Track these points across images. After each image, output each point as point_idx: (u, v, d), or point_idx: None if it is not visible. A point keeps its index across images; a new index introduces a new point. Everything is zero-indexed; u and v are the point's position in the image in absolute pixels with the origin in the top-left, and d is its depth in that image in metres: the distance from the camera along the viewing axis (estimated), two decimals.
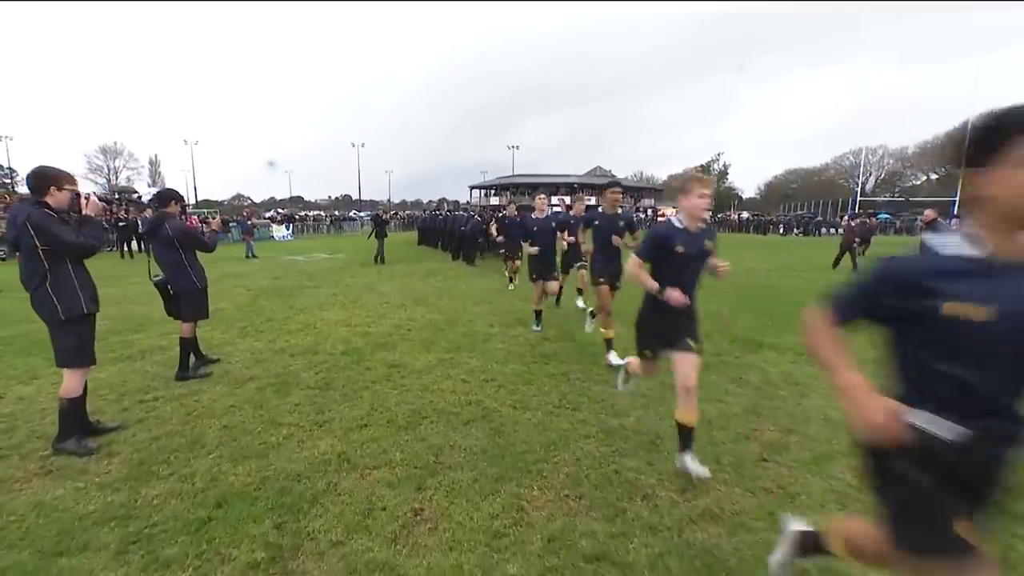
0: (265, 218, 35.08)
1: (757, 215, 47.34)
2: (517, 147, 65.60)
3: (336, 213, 44.87)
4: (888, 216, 39.87)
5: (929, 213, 9.70)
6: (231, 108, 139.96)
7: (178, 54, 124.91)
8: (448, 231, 15.92)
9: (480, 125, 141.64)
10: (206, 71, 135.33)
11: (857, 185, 68.49)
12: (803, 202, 61.94)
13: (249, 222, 17.32)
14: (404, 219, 41.29)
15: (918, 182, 62.37)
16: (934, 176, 61.68)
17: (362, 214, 47.52)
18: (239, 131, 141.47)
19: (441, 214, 17.93)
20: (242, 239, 17.09)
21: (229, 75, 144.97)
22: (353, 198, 68.79)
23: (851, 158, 71.24)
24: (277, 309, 7.29)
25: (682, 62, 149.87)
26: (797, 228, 40.07)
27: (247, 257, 16.10)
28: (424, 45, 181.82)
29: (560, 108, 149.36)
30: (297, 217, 37.67)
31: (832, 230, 40.12)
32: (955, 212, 28.45)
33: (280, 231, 30.88)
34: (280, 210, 43.97)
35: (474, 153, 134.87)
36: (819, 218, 43.07)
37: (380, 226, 14.25)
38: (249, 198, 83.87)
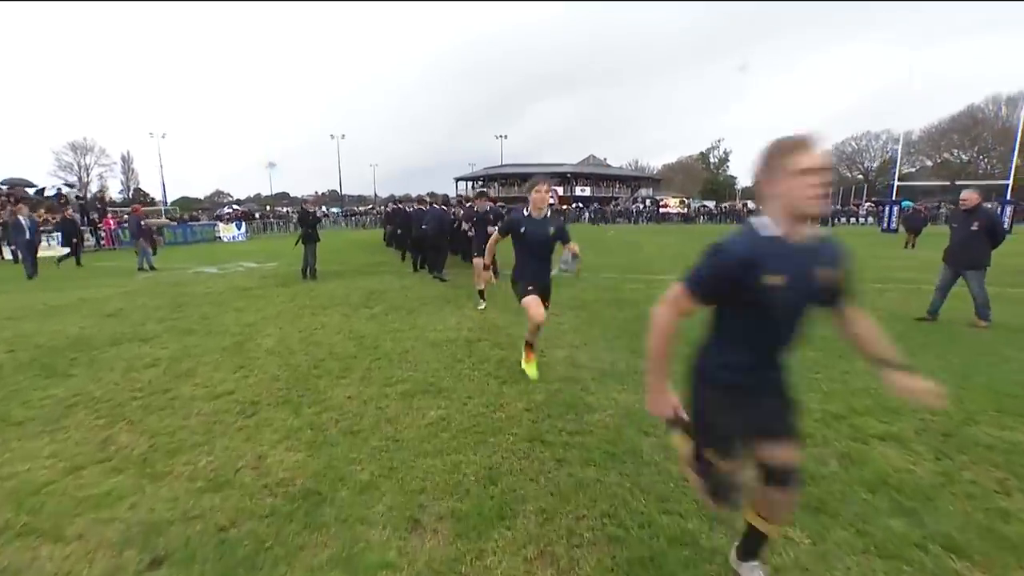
0: (216, 217, 30.57)
1: None
2: (505, 136, 61.33)
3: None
4: (910, 203, 36.38)
5: (973, 196, 5.81)
6: (213, 103, 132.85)
7: (154, 45, 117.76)
8: (409, 230, 11.79)
9: (472, 118, 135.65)
10: (186, 63, 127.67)
11: (862, 172, 65.79)
12: None
13: (142, 223, 12.80)
14: (379, 214, 36.96)
15: (914, 169, 58.81)
16: (928, 163, 58.19)
17: (334, 210, 43.06)
18: (221, 127, 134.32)
19: (405, 208, 13.76)
20: (134, 245, 12.56)
21: (212, 69, 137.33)
22: (340, 193, 63.85)
23: (853, 144, 68.00)
24: None
25: (683, 50, 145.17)
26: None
27: (140, 269, 11.84)
28: (415, 37, 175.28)
29: (554, 98, 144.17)
30: (256, 215, 33.24)
31: (853, 219, 36.62)
32: (1007, 197, 24.88)
33: (230, 231, 26.60)
34: (236, 206, 39.38)
35: (466, 145, 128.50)
36: (836, 207, 39.58)
37: (308, 227, 10.12)
38: (229, 194, 78.80)
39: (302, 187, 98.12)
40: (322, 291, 8.44)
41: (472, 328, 5.68)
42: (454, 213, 10.62)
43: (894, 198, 25.31)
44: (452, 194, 52.50)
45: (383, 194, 66.31)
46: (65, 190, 20.37)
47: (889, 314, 6.23)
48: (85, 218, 20.06)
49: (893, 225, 24.36)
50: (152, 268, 12.00)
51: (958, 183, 27.83)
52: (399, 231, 12.95)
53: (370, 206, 43.94)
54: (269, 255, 15.29)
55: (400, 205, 14.60)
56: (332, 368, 4.35)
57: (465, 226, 9.91)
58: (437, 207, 9.85)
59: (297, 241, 10.15)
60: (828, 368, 4.23)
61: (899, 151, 30.06)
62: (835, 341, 5.07)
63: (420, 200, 12.47)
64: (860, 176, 64.70)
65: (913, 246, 16.40)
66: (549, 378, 4.03)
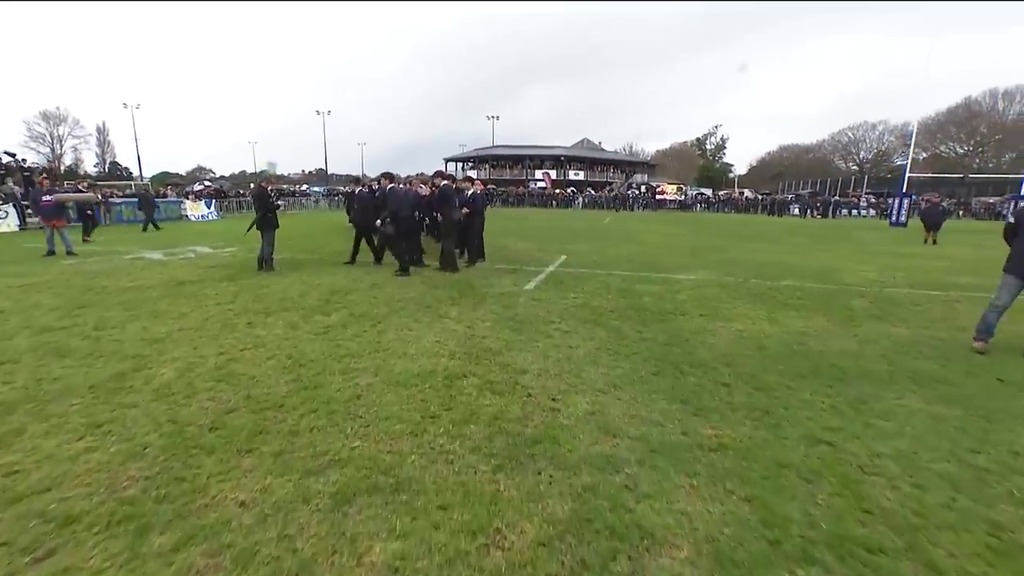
0: (187, 193, 28.37)
1: (767, 194, 42.60)
2: (497, 117, 58.91)
3: (284, 188, 38.11)
4: (913, 197, 35.55)
5: None
6: (200, 80, 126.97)
7: (133, 13, 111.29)
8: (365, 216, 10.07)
9: (464, 99, 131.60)
10: (170, 31, 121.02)
11: (856, 163, 64.74)
12: (794, 181, 57.66)
13: (47, 197, 10.11)
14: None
15: (906, 161, 58.02)
16: (923, 155, 57.21)
17: (316, 188, 40.86)
18: (207, 104, 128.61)
19: (354, 190, 12.10)
20: (43, 224, 10.18)
21: (198, 43, 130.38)
22: (327, 172, 61.30)
23: (849, 134, 67.01)
24: None
25: (680, 37, 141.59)
26: (815, 209, 35.30)
27: (47, 255, 9.71)
28: (408, 15, 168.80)
29: (549, 81, 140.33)
30: (230, 192, 31.07)
31: (855, 212, 35.59)
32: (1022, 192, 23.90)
33: (198, 209, 24.54)
34: (207, 182, 37.10)
35: (461, 126, 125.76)
36: (836, 198, 38.57)
37: (265, 211, 8.46)
38: (211, 170, 75.44)
39: (289, 165, 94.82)
40: (274, 288, 6.87)
41: (455, 353, 4.20)
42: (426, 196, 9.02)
43: (904, 190, 24.14)
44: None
45: (372, 173, 64.18)
46: (6, 159, 18.23)
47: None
48: (30, 190, 17.97)
49: (903, 219, 23.23)
50: (69, 253, 10.03)
51: (970, 176, 26.78)
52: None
53: (351, 185, 41.92)
54: (233, 238, 13.55)
55: (362, 187, 12.84)
56: (239, 428, 2.86)
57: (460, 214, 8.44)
58: (403, 188, 8.23)
59: (250, 227, 8.49)
60: (987, 443, 2.83)
61: (912, 139, 28.80)
62: (973, 397, 3.53)
63: (358, 180, 10.79)
64: (855, 167, 63.74)
65: (935, 242, 15.32)
66: (570, 458, 2.59)
